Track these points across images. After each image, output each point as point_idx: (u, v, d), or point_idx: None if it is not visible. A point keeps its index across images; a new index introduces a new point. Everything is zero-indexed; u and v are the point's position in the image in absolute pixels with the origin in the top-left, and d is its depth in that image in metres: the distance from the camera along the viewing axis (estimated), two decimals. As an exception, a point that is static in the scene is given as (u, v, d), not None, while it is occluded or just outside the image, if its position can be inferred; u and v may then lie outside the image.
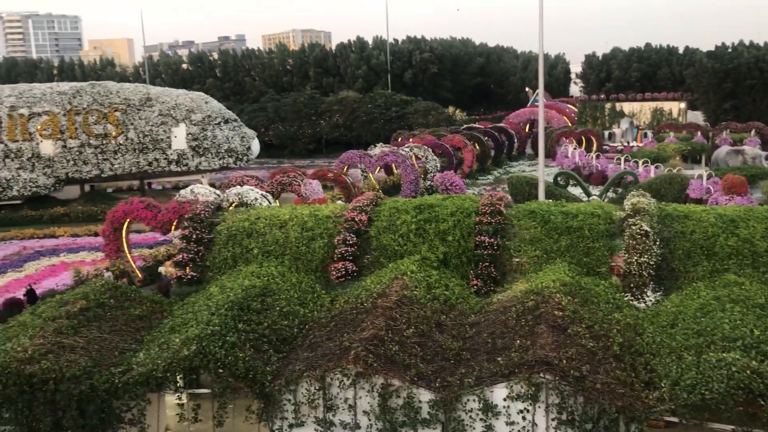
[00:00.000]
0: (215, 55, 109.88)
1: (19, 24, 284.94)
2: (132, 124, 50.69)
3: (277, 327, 16.84)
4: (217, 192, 35.10)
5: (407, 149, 54.68)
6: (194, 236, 22.51)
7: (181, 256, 22.20)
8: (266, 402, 14.40)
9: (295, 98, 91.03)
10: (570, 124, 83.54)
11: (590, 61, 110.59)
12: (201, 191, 34.33)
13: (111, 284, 19.37)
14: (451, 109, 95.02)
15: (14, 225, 46.77)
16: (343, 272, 21.05)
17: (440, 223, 21.62)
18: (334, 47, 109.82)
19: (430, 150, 55.34)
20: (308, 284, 20.56)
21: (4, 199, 50.75)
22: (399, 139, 69.62)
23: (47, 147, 50.35)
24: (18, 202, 51.23)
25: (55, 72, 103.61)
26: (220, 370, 14.28)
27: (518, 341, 15.03)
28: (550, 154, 64.20)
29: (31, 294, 29.13)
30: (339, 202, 37.81)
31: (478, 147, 62.72)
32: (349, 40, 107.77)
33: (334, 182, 44.03)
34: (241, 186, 35.46)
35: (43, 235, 43.21)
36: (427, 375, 14.42)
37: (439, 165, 54.29)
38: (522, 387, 13.67)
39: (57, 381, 14.19)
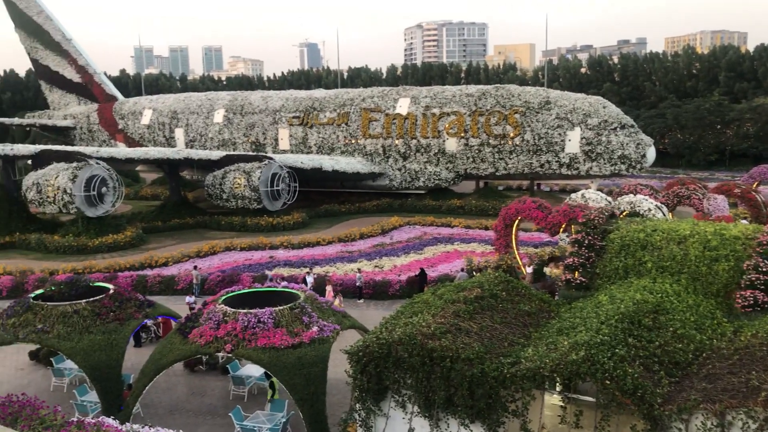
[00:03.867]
0: (615, 59, 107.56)
1: (435, 32, 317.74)
2: (529, 126, 52.47)
3: (669, 349, 15.72)
4: (608, 199, 34.35)
5: (838, 168, 46.44)
6: (586, 241, 22.30)
7: (571, 259, 22.21)
8: (653, 425, 13.54)
9: (699, 105, 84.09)
10: None
11: None
12: (592, 196, 33.95)
13: (503, 278, 20.29)
14: None
15: (418, 212, 52.48)
16: (752, 302, 18.72)
17: None
18: (751, 49, 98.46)
19: None
20: (707, 308, 18.78)
21: (412, 188, 57.21)
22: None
23: (451, 144, 55.11)
24: (422, 192, 57.32)
25: (462, 75, 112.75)
26: (607, 382, 13.86)
27: None
28: None
29: (422, 275, 32.31)
30: (743, 221, 33.83)
31: None
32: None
33: (740, 199, 39.63)
34: (634, 195, 34.11)
35: (440, 224, 47.59)
36: None
37: None
38: None
39: (453, 360, 15.34)
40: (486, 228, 44.68)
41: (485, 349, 15.81)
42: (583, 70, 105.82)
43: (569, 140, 51.42)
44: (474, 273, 30.19)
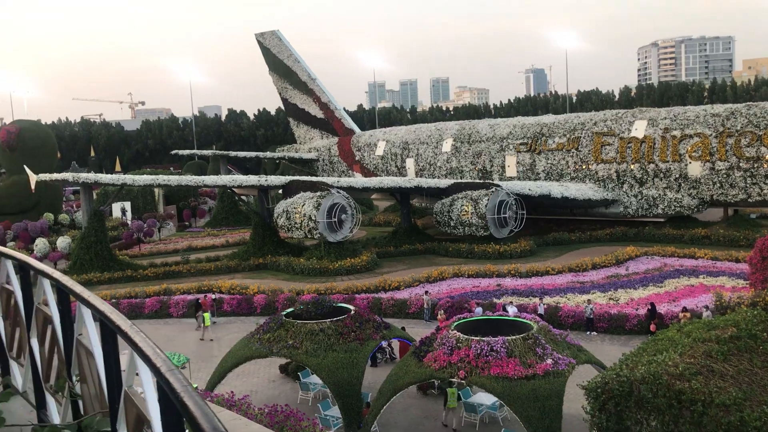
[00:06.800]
0: None
1: (672, 49, 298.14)
2: (788, 146, 46.87)
3: None
4: None
5: None
6: None
7: None
8: None
9: None
10: None
11: None
12: None
13: (763, 316, 18.17)
14: None
15: (656, 241, 49.07)
16: None
17: None
18: None
19: None
20: None
21: (649, 216, 53.78)
22: None
23: (695, 168, 50.98)
24: (661, 219, 53.59)
25: (705, 94, 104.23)
26: None
27: None
28: None
29: (652, 309, 30.08)
30: None
31: None
32: None
33: None
34: None
35: (683, 255, 43.98)
36: None
37: None
38: None
39: (705, 404, 14.00)
40: (737, 260, 40.47)
41: (744, 395, 14.24)
42: None
43: (841, 162, 45.03)
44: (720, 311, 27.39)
